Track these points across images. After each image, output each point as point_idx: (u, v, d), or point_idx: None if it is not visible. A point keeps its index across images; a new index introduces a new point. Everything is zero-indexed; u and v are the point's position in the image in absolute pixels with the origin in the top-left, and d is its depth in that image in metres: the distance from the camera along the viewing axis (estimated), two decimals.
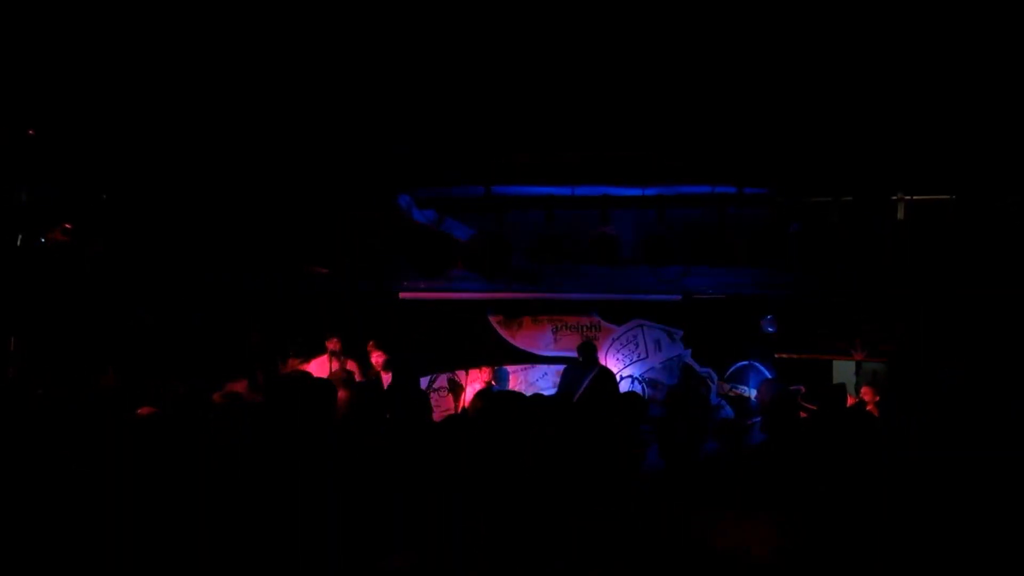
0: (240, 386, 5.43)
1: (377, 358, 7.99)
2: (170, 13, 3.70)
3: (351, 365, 7.81)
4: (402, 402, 5.18)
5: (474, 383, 9.12)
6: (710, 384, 9.34)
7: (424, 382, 9.99)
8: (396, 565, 2.97)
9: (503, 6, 3.77)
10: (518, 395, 3.88)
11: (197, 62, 4.04)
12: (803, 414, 4.91)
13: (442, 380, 10.01)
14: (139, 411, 4.42)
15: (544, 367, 10.09)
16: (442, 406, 9.87)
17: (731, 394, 8.80)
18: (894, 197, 4.68)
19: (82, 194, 4.78)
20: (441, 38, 3.90)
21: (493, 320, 10.15)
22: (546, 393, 8.90)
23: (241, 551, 2.99)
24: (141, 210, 4.54)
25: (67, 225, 4.76)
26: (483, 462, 3.43)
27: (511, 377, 9.97)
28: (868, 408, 6.30)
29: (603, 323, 9.99)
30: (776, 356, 8.99)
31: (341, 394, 5.07)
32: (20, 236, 4.41)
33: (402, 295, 8.70)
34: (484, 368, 9.34)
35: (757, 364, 9.27)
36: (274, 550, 2.99)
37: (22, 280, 4.38)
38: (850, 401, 6.80)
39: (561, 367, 10.06)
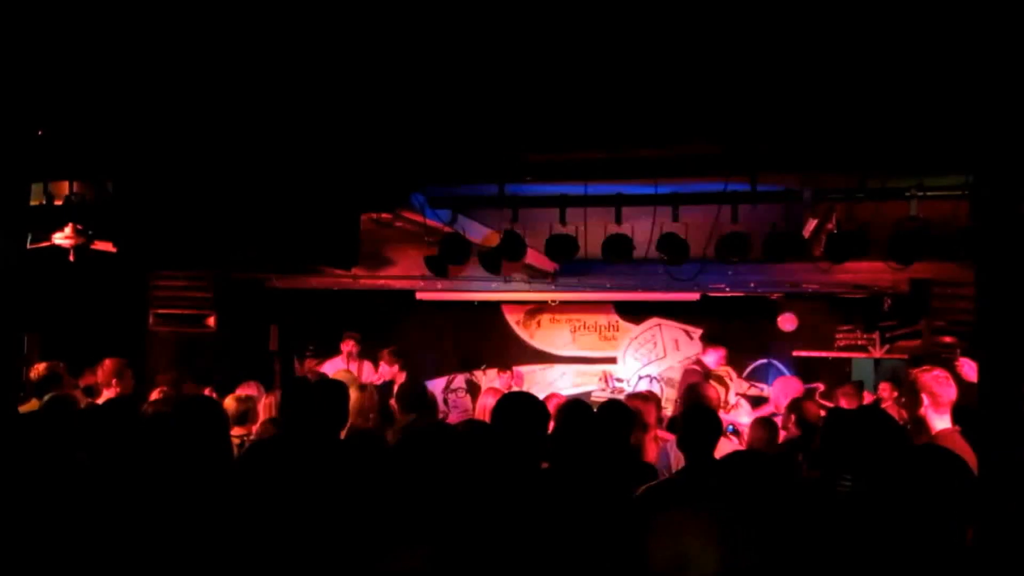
0: (252, 388, 5.47)
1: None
2: (180, 14, 3.70)
3: (367, 366, 7.86)
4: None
5: (492, 383, 9.14)
6: (728, 383, 9.28)
7: (442, 383, 10.03)
8: (405, 564, 2.96)
9: (513, 3, 3.74)
10: (531, 396, 3.85)
11: (206, 61, 4.05)
12: (821, 412, 4.86)
13: (460, 380, 10.05)
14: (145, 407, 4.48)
15: (563, 367, 10.09)
16: (460, 407, 9.90)
17: (749, 393, 8.74)
18: (907, 193, 4.61)
19: (92, 193, 4.83)
20: (454, 35, 3.88)
21: (511, 320, 10.16)
22: (564, 392, 8.88)
23: (250, 550, 3.00)
24: (151, 210, 4.59)
25: (78, 226, 4.82)
26: (494, 462, 3.41)
27: (529, 377, 9.98)
28: (885, 405, 6.21)
29: (621, 322, 9.97)
30: (794, 354, 8.91)
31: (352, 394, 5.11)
32: (30, 236, 4.47)
33: (419, 295, 8.73)
34: (502, 368, 9.36)
35: (775, 362, 9.20)
36: (284, 549, 2.99)
37: (35, 280, 4.44)
38: (868, 398, 6.71)
39: (579, 367, 10.07)
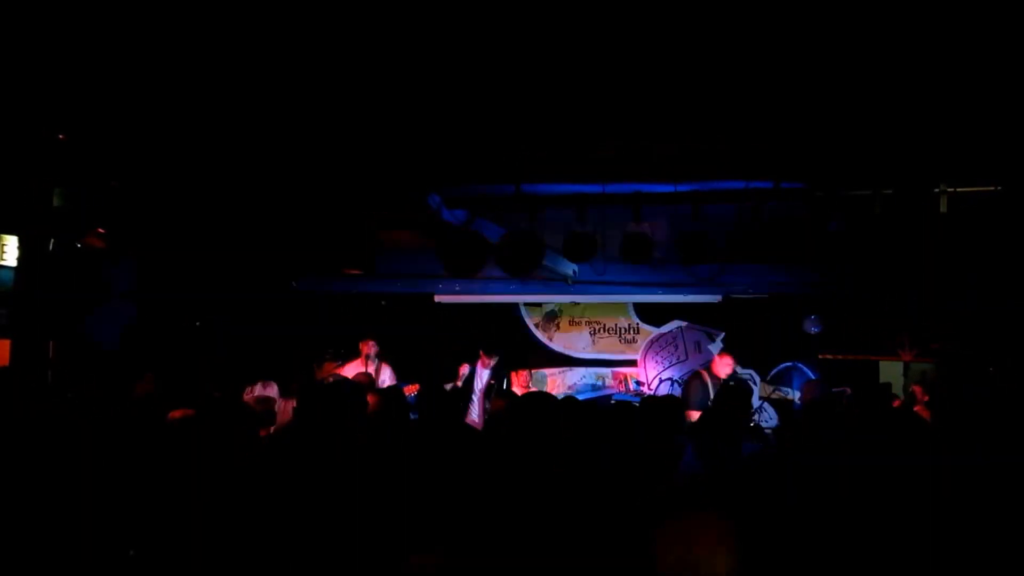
0: (271, 389, 5.46)
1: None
2: (202, 20, 3.71)
3: (386, 368, 7.82)
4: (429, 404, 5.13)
5: (511, 386, 9.08)
6: (752, 386, 9.12)
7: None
8: (419, 565, 2.93)
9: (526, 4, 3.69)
10: (544, 396, 3.79)
11: (228, 70, 4.07)
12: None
13: None
14: (171, 414, 4.47)
15: (582, 369, 9.99)
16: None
17: (774, 396, 8.57)
18: (936, 189, 4.47)
19: (114, 199, 4.87)
20: (469, 36, 3.85)
21: (530, 322, 10.08)
22: (582, 396, 8.80)
23: (266, 551, 2.98)
24: (171, 214, 4.61)
25: (100, 230, 4.84)
26: (507, 463, 3.36)
27: (549, 380, 9.89)
28: (917, 408, 6.04)
29: (642, 325, 9.84)
30: (820, 357, 8.73)
31: (370, 397, 5.07)
32: (52, 241, 4.50)
33: (437, 298, 8.69)
34: (521, 371, 9.29)
35: (801, 365, 9.02)
36: (299, 550, 2.97)
37: (58, 285, 4.48)
38: (897, 402, 6.54)
39: (599, 369, 9.97)
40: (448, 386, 7.69)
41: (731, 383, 7.55)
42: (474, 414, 7.85)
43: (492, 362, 8.06)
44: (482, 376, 8.07)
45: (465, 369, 8.05)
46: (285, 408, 5.34)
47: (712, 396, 6.85)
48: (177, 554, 2.80)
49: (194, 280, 7.10)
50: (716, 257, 5.45)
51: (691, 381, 7.20)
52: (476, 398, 7.86)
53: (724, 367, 6.95)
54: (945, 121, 3.87)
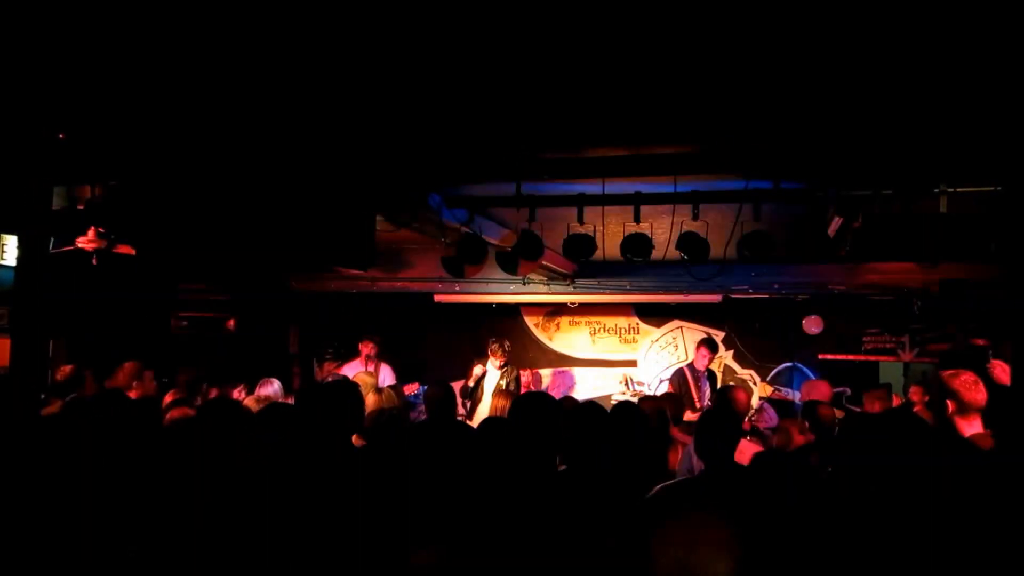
0: (271, 388, 5.46)
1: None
2: (202, 18, 3.70)
3: (385, 368, 7.83)
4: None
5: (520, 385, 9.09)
6: (751, 387, 9.13)
7: (460, 385, 9.98)
8: (421, 562, 2.93)
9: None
10: (544, 396, 3.80)
11: (227, 69, 4.06)
12: (840, 413, 4.73)
13: None
14: (171, 414, 4.47)
15: (582, 370, 10.00)
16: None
17: (774, 397, 8.58)
18: (936, 189, 4.46)
19: (113, 197, 4.86)
20: (469, 35, 3.84)
21: (530, 323, 10.08)
22: (583, 396, 8.81)
23: (266, 551, 2.98)
24: (168, 212, 4.61)
25: (100, 228, 4.84)
26: (508, 463, 3.36)
27: (549, 380, 9.90)
28: (916, 409, 6.04)
29: (642, 324, 9.85)
30: (820, 357, 8.74)
31: (370, 397, 5.08)
32: (52, 239, 4.50)
33: (437, 297, 8.70)
34: (522, 371, 9.30)
35: (800, 366, 9.03)
36: (302, 548, 2.97)
37: (58, 284, 4.47)
38: (896, 402, 6.55)
39: (599, 370, 9.96)
40: (459, 384, 7.77)
41: (728, 385, 7.61)
42: (486, 412, 7.88)
43: (502, 361, 8.10)
44: (493, 375, 8.11)
45: (477, 368, 8.08)
46: None
47: (692, 387, 7.44)
48: (177, 554, 2.80)
49: (194, 279, 7.12)
50: (716, 257, 5.44)
51: (673, 376, 8.02)
52: (488, 396, 7.90)
53: (701, 359, 7.81)
54: (945, 121, 3.86)
